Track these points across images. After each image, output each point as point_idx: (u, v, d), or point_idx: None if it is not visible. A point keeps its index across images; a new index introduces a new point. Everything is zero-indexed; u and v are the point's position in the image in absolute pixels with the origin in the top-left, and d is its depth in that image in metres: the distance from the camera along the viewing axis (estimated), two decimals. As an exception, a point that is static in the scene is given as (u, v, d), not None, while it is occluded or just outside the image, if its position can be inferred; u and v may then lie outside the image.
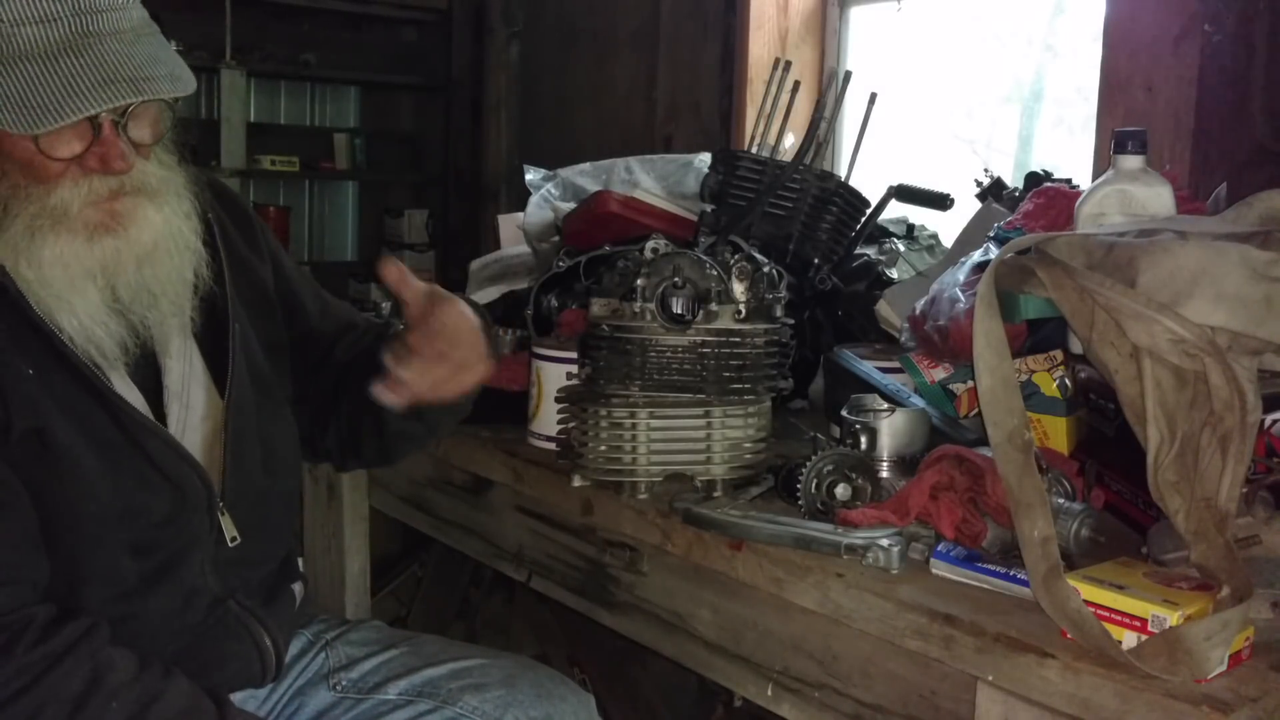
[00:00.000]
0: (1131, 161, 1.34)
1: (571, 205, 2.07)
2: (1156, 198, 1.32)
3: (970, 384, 1.44)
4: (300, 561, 1.52)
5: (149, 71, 1.13)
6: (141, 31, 1.16)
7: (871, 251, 2.04)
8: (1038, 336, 1.39)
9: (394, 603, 2.95)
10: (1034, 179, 1.88)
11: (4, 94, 1.09)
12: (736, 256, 1.45)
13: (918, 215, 2.27)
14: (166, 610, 1.24)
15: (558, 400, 1.49)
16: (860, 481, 1.29)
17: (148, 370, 1.26)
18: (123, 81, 1.11)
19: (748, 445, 1.41)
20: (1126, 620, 0.96)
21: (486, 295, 2.08)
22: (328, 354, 1.48)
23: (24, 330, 1.16)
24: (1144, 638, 0.94)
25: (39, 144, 1.12)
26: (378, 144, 5.07)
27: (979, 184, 2.01)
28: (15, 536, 1.12)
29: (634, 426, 1.38)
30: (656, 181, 2.09)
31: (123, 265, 1.18)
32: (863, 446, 1.34)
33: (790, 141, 2.02)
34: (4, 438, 1.12)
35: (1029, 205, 1.63)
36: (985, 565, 1.11)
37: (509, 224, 2.40)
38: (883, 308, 1.76)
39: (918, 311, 1.54)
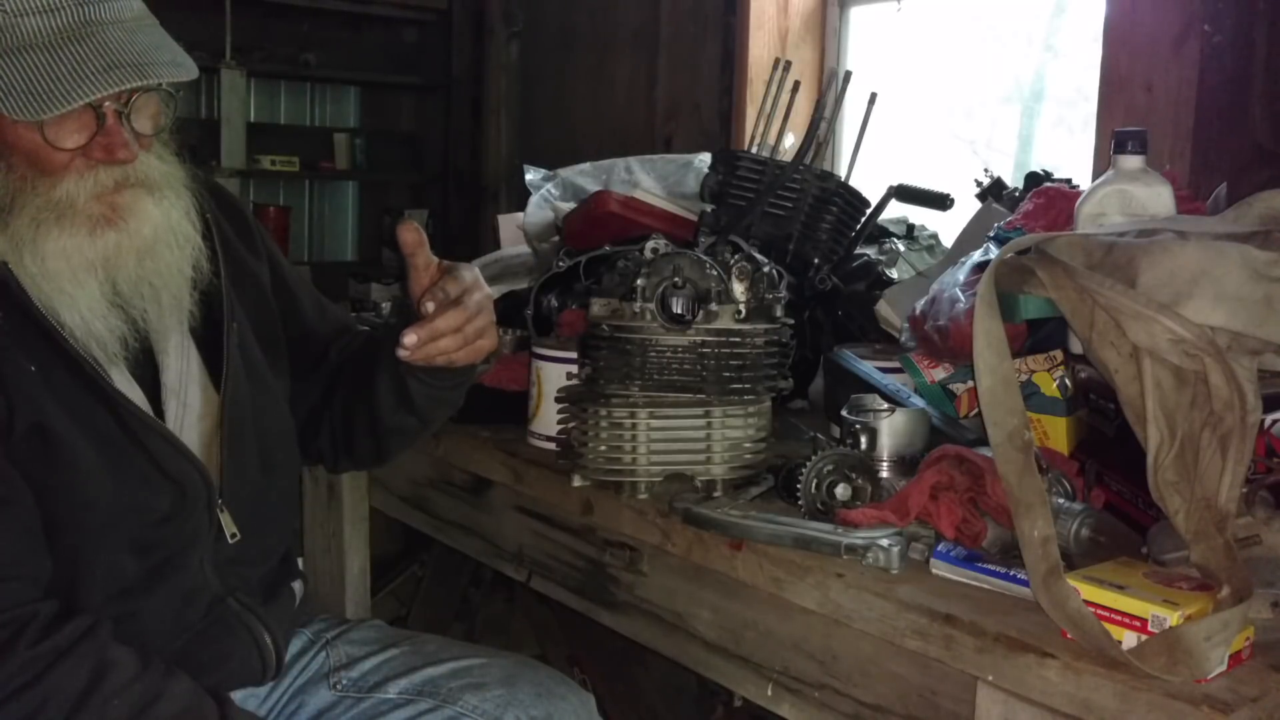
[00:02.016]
0: (1131, 161, 1.34)
1: (571, 205, 2.07)
2: (1156, 198, 1.32)
3: (970, 384, 1.44)
4: (300, 560, 1.52)
5: (152, 57, 1.15)
6: (142, 21, 1.18)
7: (871, 251, 2.04)
8: (1038, 336, 1.39)
9: (394, 603, 2.95)
10: (1034, 179, 1.88)
11: (9, 82, 1.11)
12: (736, 256, 1.45)
13: (918, 215, 2.27)
14: (166, 608, 1.24)
15: (558, 400, 1.49)
16: (860, 481, 1.29)
17: (146, 368, 1.27)
18: (127, 66, 1.12)
19: (748, 445, 1.41)
20: (1126, 620, 0.96)
21: (486, 295, 2.08)
22: (323, 355, 1.48)
23: (26, 326, 1.16)
24: (1144, 638, 0.94)
25: (45, 133, 1.13)
26: (378, 144, 5.07)
27: (979, 184, 2.01)
28: (18, 533, 1.13)
29: (634, 426, 1.38)
30: (656, 181, 2.09)
31: (123, 258, 1.19)
32: (863, 446, 1.34)
33: (790, 141, 2.02)
34: (7, 434, 1.13)
35: (1029, 205, 1.63)
36: (985, 565, 1.11)
37: (509, 224, 2.40)
38: (883, 308, 1.76)
39: (918, 311, 1.54)
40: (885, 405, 1.37)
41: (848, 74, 2.02)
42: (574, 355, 1.49)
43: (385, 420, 1.43)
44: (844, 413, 1.38)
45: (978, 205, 1.97)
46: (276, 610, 1.36)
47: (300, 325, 1.47)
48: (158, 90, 1.20)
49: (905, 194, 1.99)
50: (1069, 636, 0.98)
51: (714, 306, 1.38)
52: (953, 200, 1.97)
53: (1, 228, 1.15)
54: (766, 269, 1.45)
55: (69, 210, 1.16)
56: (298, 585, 1.45)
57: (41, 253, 1.15)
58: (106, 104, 1.15)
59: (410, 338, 1.25)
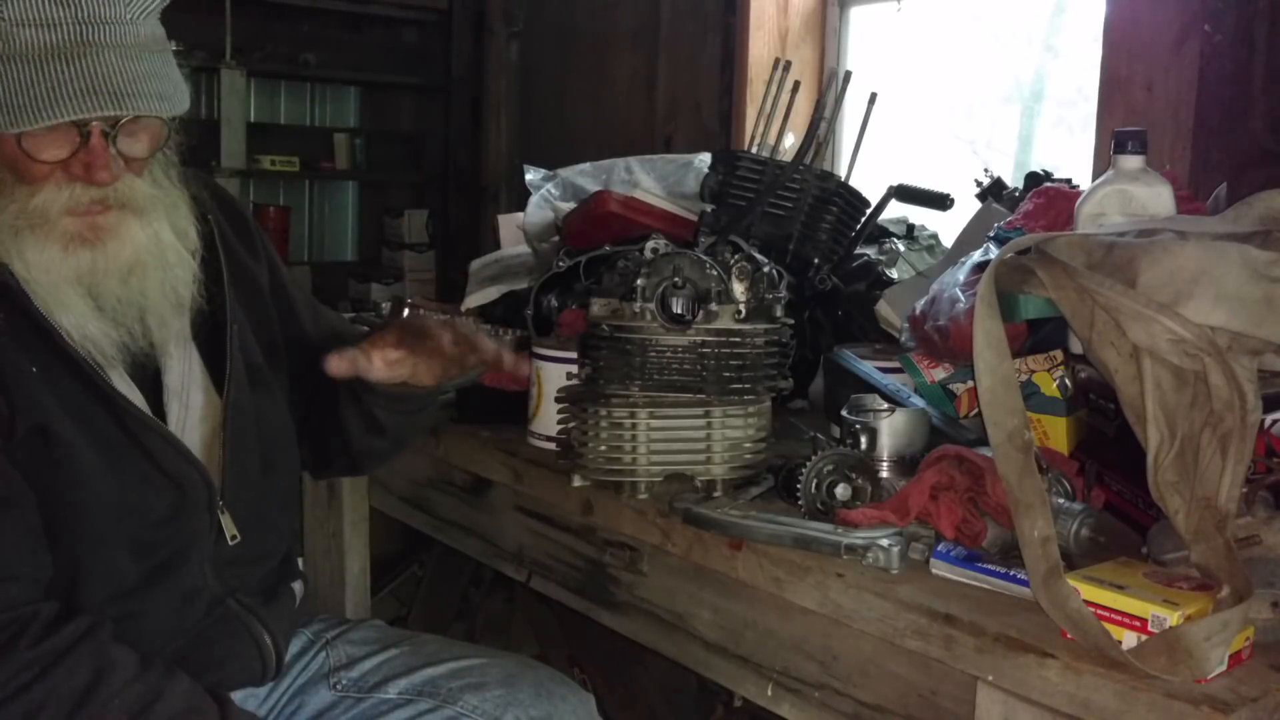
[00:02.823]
0: (1131, 161, 1.34)
1: (571, 205, 2.07)
2: (1156, 198, 1.32)
3: (970, 384, 1.44)
4: (300, 561, 1.52)
5: (138, 88, 1.13)
6: (147, 47, 1.16)
7: (871, 251, 2.04)
8: (1038, 336, 1.39)
9: (394, 603, 2.95)
10: (1034, 179, 1.88)
11: None
12: (736, 256, 1.45)
13: (918, 215, 2.27)
14: (166, 609, 1.24)
15: (558, 400, 1.49)
16: (860, 481, 1.29)
17: (147, 370, 1.27)
18: (106, 94, 1.11)
19: (748, 445, 1.41)
20: (1126, 620, 0.96)
21: (486, 295, 2.08)
22: (314, 362, 1.49)
23: (26, 328, 1.16)
24: (1144, 638, 0.94)
25: (22, 145, 1.12)
26: (378, 144, 5.07)
27: (979, 184, 2.01)
28: (19, 533, 1.13)
29: (634, 426, 1.38)
30: (656, 181, 2.09)
31: (101, 278, 1.18)
32: (863, 446, 1.34)
33: (790, 141, 2.02)
34: (8, 435, 1.13)
35: (1029, 205, 1.63)
36: (985, 565, 1.11)
37: (509, 224, 2.40)
38: (883, 308, 1.76)
39: (918, 311, 1.54)
40: (885, 405, 1.37)
41: (848, 74, 2.02)
42: (574, 355, 1.49)
43: (354, 443, 1.45)
44: (844, 413, 1.38)
45: (978, 205, 1.97)
46: (276, 611, 1.36)
47: (295, 329, 1.48)
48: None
49: (905, 194, 1.99)
50: (1069, 636, 0.98)
51: (714, 306, 1.38)
52: (953, 200, 1.97)
53: None
54: (766, 269, 1.45)
55: (43, 222, 1.15)
56: (298, 586, 1.45)
57: (25, 261, 1.15)
58: (93, 124, 1.14)
59: (333, 361, 1.30)
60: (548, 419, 1.54)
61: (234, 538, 1.29)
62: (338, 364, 1.29)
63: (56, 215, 1.15)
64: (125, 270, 1.19)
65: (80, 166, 1.15)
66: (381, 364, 1.33)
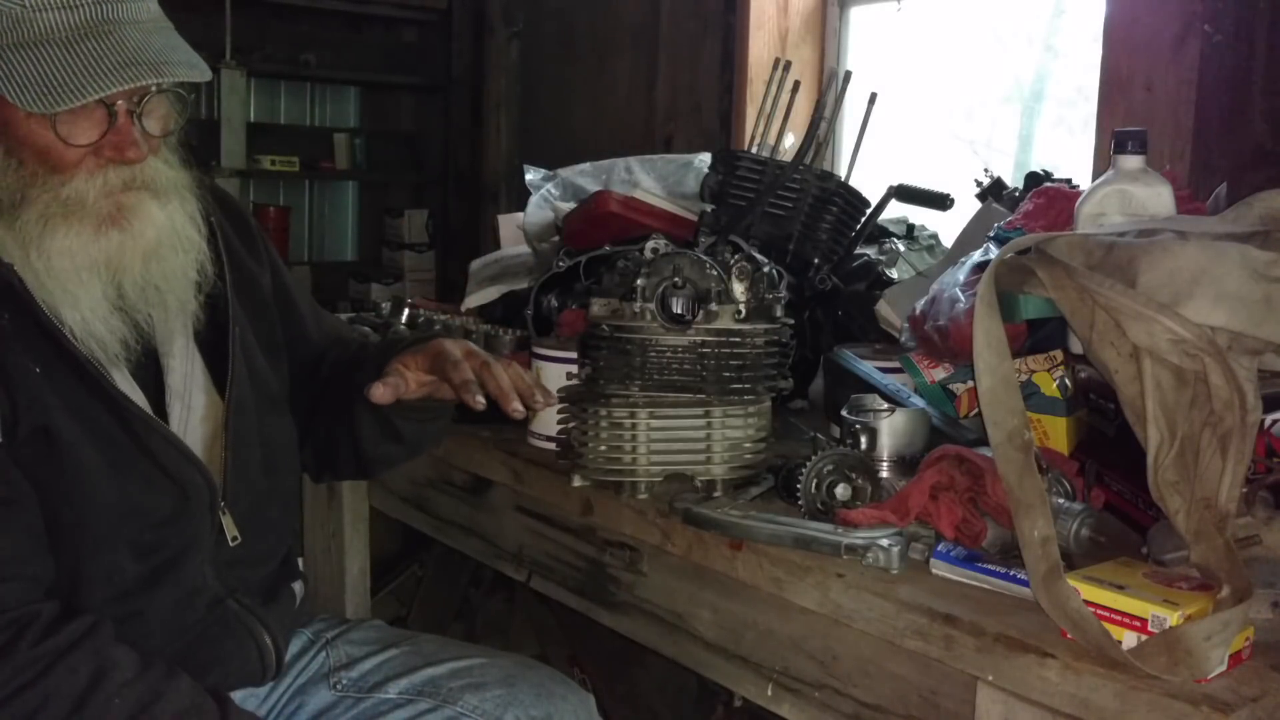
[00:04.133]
0: (1131, 161, 1.34)
1: (571, 205, 2.07)
2: (1156, 198, 1.32)
3: (970, 384, 1.44)
4: (300, 561, 1.53)
5: (168, 57, 1.16)
6: (158, 23, 1.19)
7: (871, 251, 2.04)
8: (1038, 336, 1.39)
9: (394, 603, 2.95)
10: (1034, 179, 1.88)
11: (24, 75, 1.11)
12: (736, 256, 1.45)
13: (918, 215, 2.27)
14: (167, 609, 1.24)
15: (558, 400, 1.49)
16: (860, 481, 1.29)
17: (148, 370, 1.27)
18: (143, 64, 1.13)
19: (748, 445, 1.41)
20: (1126, 620, 0.96)
21: (486, 295, 2.08)
22: (316, 365, 1.49)
23: (30, 328, 1.16)
24: (1144, 638, 0.94)
25: (57, 129, 1.14)
26: (378, 144, 5.07)
27: (979, 184, 2.01)
28: (21, 533, 1.13)
29: (634, 426, 1.38)
30: (656, 181, 2.09)
31: (128, 261, 1.19)
32: (863, 446, 1.34)
33: (790, 141, 2.02)
34: (11, 436, 1.13)
35: (1029, 205, 1.63)
36: (985, 565, 1.11)
37: (509, 224, 2.40)
38: (883, 308, 1.76)
39: (918, 311, 1.54)
40: (885, 405, 1.37)
41: (848, 74, 2.02)
42: (574, 355, 1.49)
43: (368, 451, 1.44)
44: (844, 413, 1.38)
45: (978, 205, 1.97)
46: (277, 611, 1.36)
47: (297, 331, 1.48)
48: (169, 93, 1.20)
49: (905, 194, 1.99)
50: (1069, 636, 0.98)
51: (714, 306, 1.38)
52: (953, 200, 1.97)
53: (9, 224, 1.16)
54: (766, 269, 1.45)
55: (78, 208, 1.16)
56: (298, 586, 1.45)
57: (47, 250, 1.16)
58: (119, 103, 1.16)
59: (379, 389, 1.28)
60: (548, 419, 1.54)
61: (235, 538, 1.29)
62: (382, 393, 1.28)
63: (93, 201, 1.17)
64: (149, 252, 1.21)
65: (111, 147, 1.17)
66: (415, 386, 1.34)
